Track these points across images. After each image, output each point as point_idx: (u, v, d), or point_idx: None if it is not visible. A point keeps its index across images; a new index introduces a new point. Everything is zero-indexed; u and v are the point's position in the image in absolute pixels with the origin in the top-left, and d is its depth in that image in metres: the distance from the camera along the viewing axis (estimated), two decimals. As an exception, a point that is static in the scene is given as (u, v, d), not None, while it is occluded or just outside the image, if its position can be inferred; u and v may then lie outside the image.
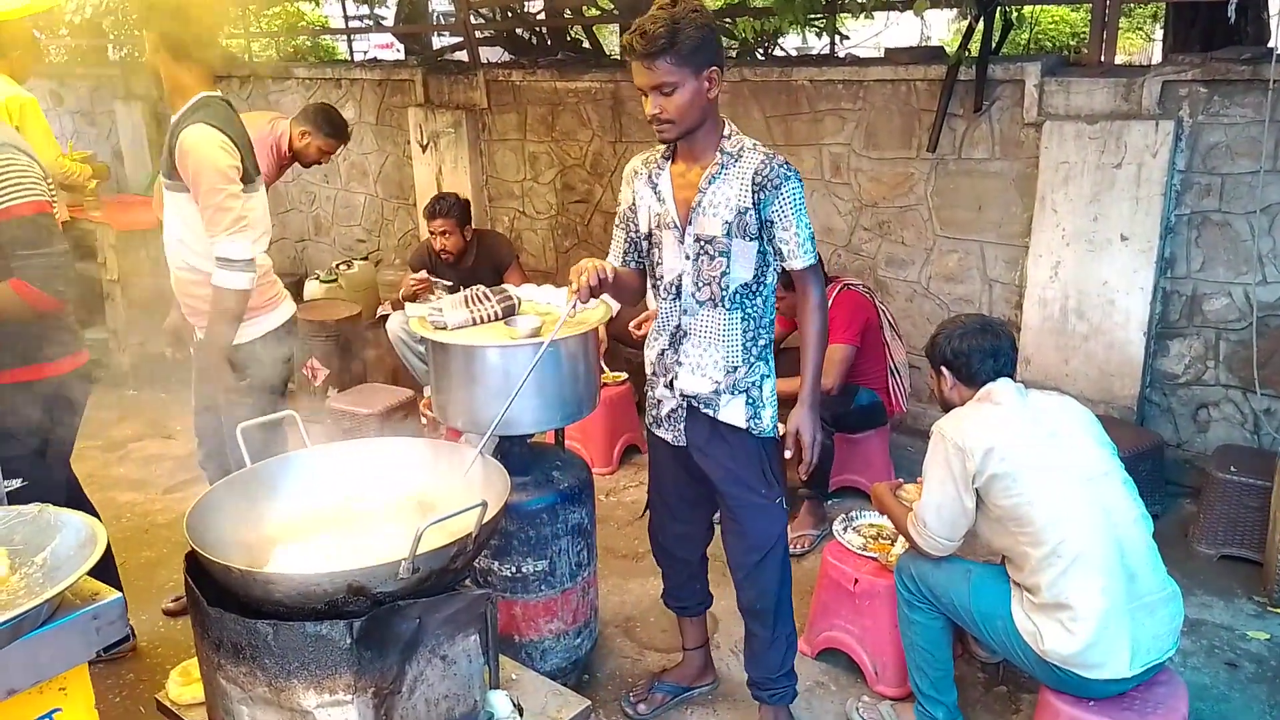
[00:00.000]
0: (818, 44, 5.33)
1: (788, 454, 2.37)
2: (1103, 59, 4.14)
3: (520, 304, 2.74)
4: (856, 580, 2.85)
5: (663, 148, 2.38)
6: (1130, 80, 3.88)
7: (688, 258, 2.33)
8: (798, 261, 2.29)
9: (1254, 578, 3.42)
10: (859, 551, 2.93)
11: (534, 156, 5.91)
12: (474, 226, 4.84)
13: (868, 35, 6.43)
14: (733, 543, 2.52)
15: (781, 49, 5.46)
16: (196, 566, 1.83)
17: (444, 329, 2.61)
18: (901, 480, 2.91)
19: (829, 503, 3.94)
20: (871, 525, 3.07)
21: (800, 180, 2.28)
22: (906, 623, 2.57)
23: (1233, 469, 3.52)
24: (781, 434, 2.41)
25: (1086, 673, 2.21)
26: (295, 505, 2.09)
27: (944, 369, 2.52)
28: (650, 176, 2.38)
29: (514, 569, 2.68)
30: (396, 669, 1.76)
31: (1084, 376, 4.13)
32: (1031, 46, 9.65)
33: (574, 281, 2.26)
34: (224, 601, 1.77)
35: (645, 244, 2.44)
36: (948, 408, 2.54)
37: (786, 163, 2.26)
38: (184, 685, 2.11)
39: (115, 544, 3.79)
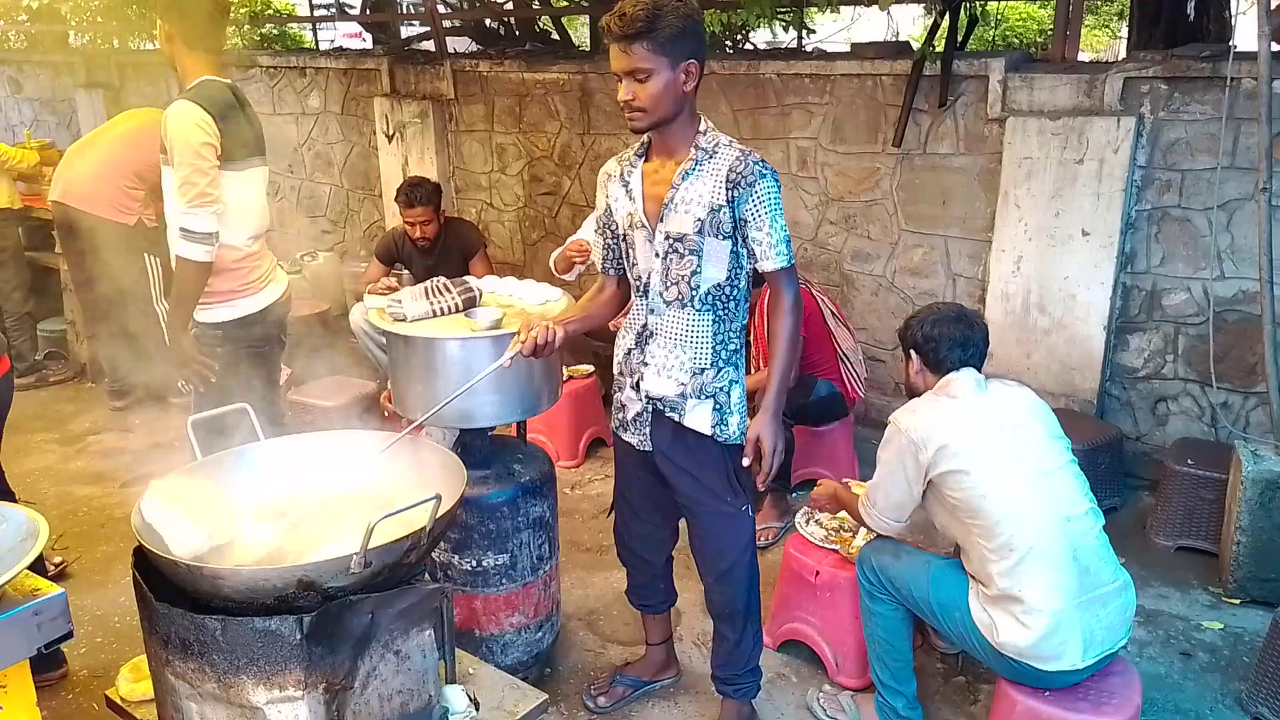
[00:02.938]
0: (787, 38, 5.33)
1: (746, 461, 2.29)
2: (1066, 55, 4.17)
3: (481, 296, 2.72)
4: (818, 572, 2.86)
5: (636, 145, 2.34)
6: (1093, 77, 3.92)
7: (658, 255, 2.27)
8: (770, 263, 2.21)
9: (1210, 569, 3.47)
10: (820, 544, 2.94)
11: (501, 148, 5.87)
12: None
13: (835, 30, 6.44)
14: (700, 550, 2.50)
15: (751, 44, 5.46)
16: (145, 562, 1.80)
17: (404, 321, 2.58)
18: (847, 482, 2.91)
19: (793, 495, 3.96)
20: (834, 518, 3.08)
21: (776, 180, 2.20)
22: (867, 614, 2.58)
23: (1189, 462, 3.57)
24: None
25: (1041, 665, 2.23)
26: (247, 499, 2.05)
27: (913, 352, 2.52)
28: (623, 175, 2.34)
29: (475, 563, 2.66)
30: (348, 664, 1.74)
31: (1045, 370, 4.16)
32: (999, 43, 9.74)
33: (521, 334, 2.23)
34: (174, 597, 1.74)
35: (621, 244, 2.39)
36: (912, 392, 2.55)
37: (763, 160, 2.19)
38: (134, 682, 2.08)
39: (73, 539, 3.76)
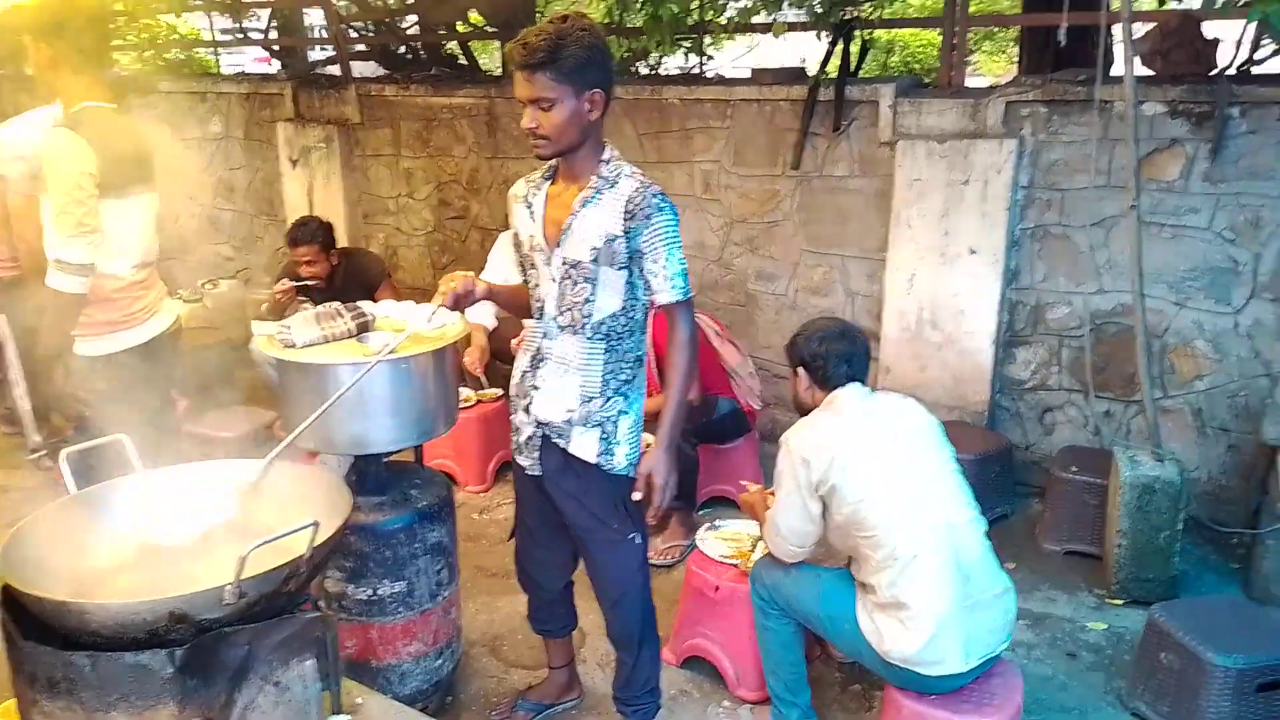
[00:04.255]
0: (689, 64, 5.44)
1: (637, 496, 2.29)
2: (952, 81, 4.35)
3: (375, 320, 2.71)
4: (717, 587, 2.90)
5: (544, 168, 2.34)
6: (977, 101, 4.09)
7: (554, 280, 2.28)
8: (666, 295, 2.21)
9: (1095, 571, 3.61)
10: (720, 559, 2.98)
11: (409, 172, 5.84)
12: (343, 245, 4.75)
13: (741, 54, 6.60)
14: (593, 576, 2.51)
15: (659, 69, 5.55)
16: (12, 600, 1.74)
17: (293, 347, 2.55)
18: (771, 490, 2.96)
19: (700, 513, 4.00)
20: (734, 532, 3.13)
21: (674, 213, 2.21)
22: (761, 629, 2.63)
23: (1073, 469, 3.72)
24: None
25: (924, 670, 2.30)
26: (123, 533, 2.00)
27: (801, 370, 2.59)
28: (527, 197, 2.34)
29: (370, 591, 2.63)
30: (225, 697, 1.70)
31: (939, 384, 4.30)
32: (902, 68, 10.06)
33: (442, 287, 2.23)
34: (44, 636, 1.69)
35: (522, 265, 2.41)
36: (800, 409, 2.61)
37: (662, 194, 2.19)
38: (3, 728, 2.00)
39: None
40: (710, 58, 5.47)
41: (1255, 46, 3.76)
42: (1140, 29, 3.93)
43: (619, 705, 2.65)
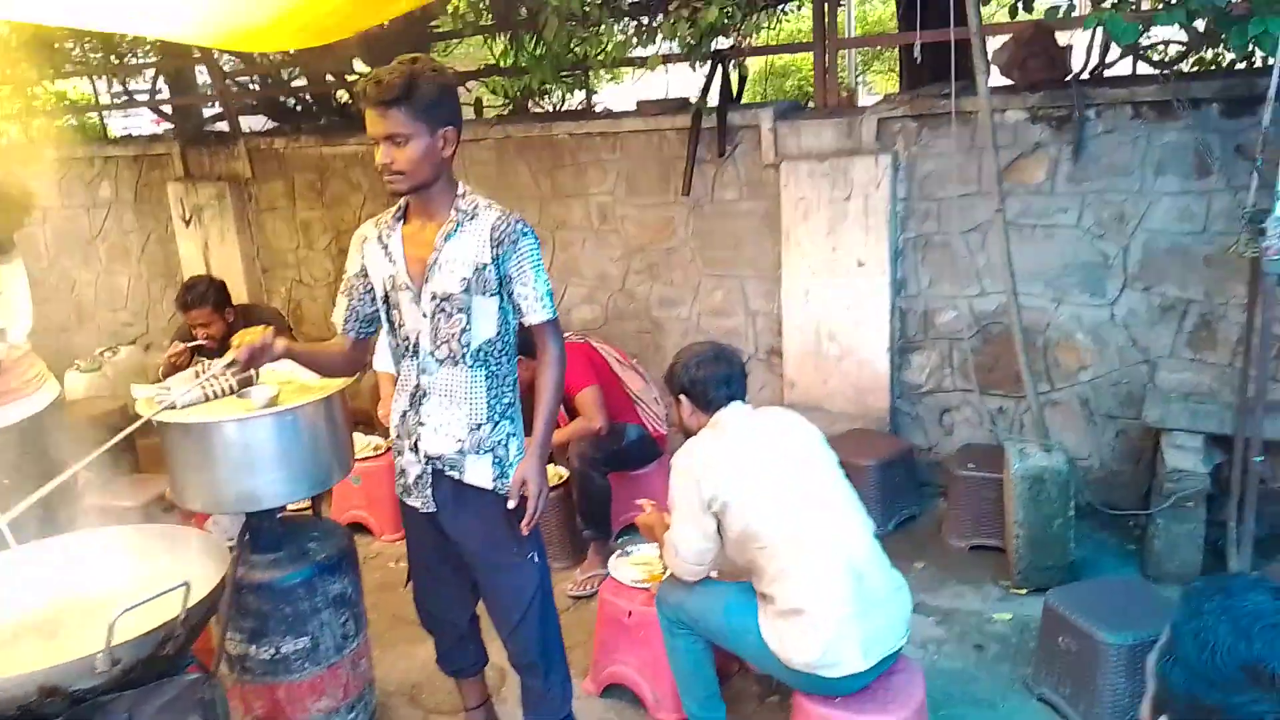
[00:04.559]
0: (575, 101, 5.51)
1: (511, 504, 2.33)
2: (828, 102, 4.50)
3: (258, 375, 2.68)
4: (630, 613, 2.92)
5: (394, 209, 2.38)
6: (851, 120, 4.24)
7: (425, 316, 2.31)
8: (536, 316, 2.31)
9: (1000, 563, 3.72)
10: (633, 584, 3.00)
11: (306, 224, 5.79)
12: (241, 302, 4.67)
13: (634, 89, 6.71)
14: (491, 603, 2.52)
15: (553, 108, 5.62)
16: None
17: (173, 408, 2.51)
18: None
19: (618, 541, 4.01)
20: (646, 557, 3.15)
21: (536, 238, 2.31)
22: (671, 650, 2.65)
23: (970, 465, 3.84)
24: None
25: (827, 672, 2.35)
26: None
27: (682, 397, 2.64)
28: (381, 238, 2.37)
29: (273, 650, 2.58)
30: (106, 770, 1.66)
31: (841, 395, 4.41)
32: (794, 92, 10.32)
33: (235, 341, 2.24)
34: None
35: (384, 307, 2.41)
36: (688, 434, 2.66)
37: (523, 220, 2.29)
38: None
39: None
40: (595, 92, 5.56)
41: (1105, 50, 3.97)
42: (998, 41, 4.12)
43: (533, 736, 2.64)
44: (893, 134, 4.18)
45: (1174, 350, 3.85)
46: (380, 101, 2.13)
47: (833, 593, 2.35)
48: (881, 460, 3.96)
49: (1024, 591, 3.52)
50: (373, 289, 2.40)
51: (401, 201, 2.35)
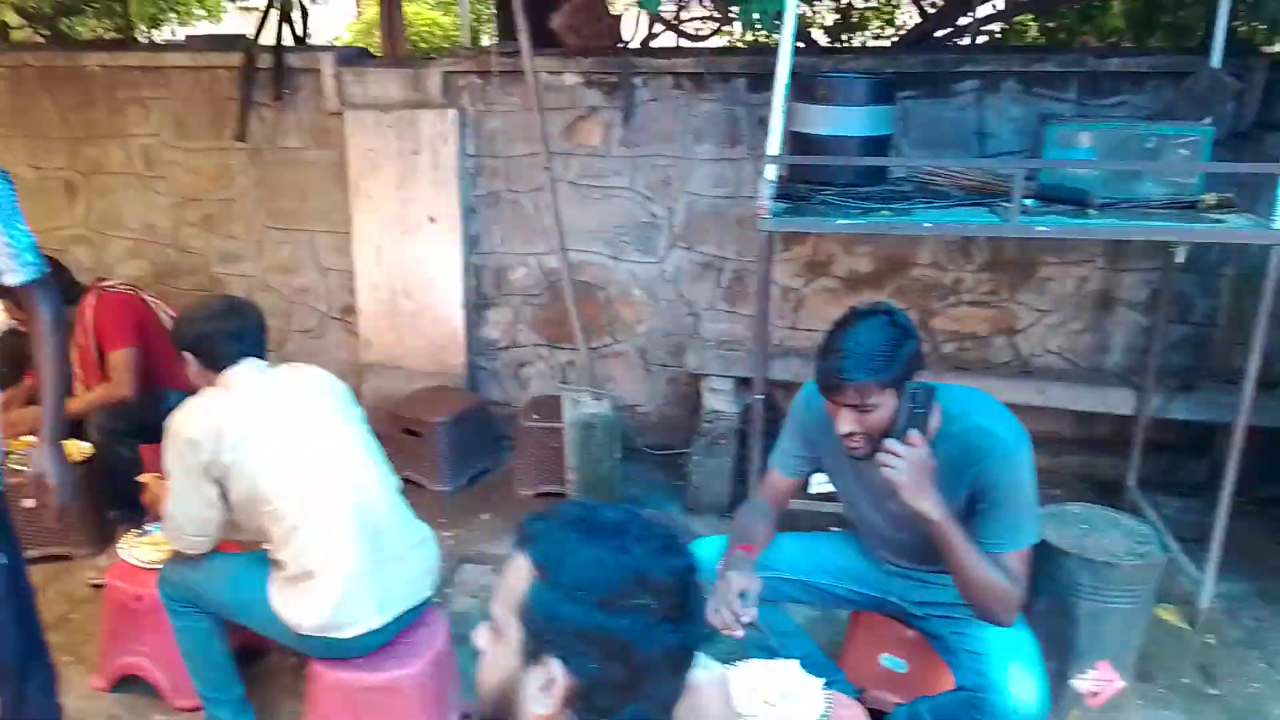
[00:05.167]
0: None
1: (28, 503, 2.13)
2: (395, 52, 4.36)
3: None
4: (140, 597, 2.64)
5: None
6: (417, 72, 4.13)
7: None
8: (14, 276, 2.03)
9: (563, 509, 3.87)
10: (147, 566, 2.72)
11: None
12: None
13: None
14: None
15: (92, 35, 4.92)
16: None
17: None
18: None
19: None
20: (163, 537, 2.87)
21: (9, 182, 2.02)
22: (177, 631, 2.44)
23: (534, 416, 3.95)
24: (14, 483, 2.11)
25: (339, 634, 2.27)
26: None
27: (188, 354, 2.41)
28: None
29: None
30: None
31: (419, 352, 4.35)
32: (412, 48, 10.00)
33: None
34: None
35: None
36: (195, 394, 2.44)
37: None
38: None
39: None
40: (135, 26, 4.97)
41: (652, 22, 4.22)
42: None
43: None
44: (459, 89, 4.14)
45: (713, 304, 4.22)
46: None
47: (344, 552, 2.27)
48: (455, 416, 3.96)
49: (580, 534, 3.69)
50: None
51: None
